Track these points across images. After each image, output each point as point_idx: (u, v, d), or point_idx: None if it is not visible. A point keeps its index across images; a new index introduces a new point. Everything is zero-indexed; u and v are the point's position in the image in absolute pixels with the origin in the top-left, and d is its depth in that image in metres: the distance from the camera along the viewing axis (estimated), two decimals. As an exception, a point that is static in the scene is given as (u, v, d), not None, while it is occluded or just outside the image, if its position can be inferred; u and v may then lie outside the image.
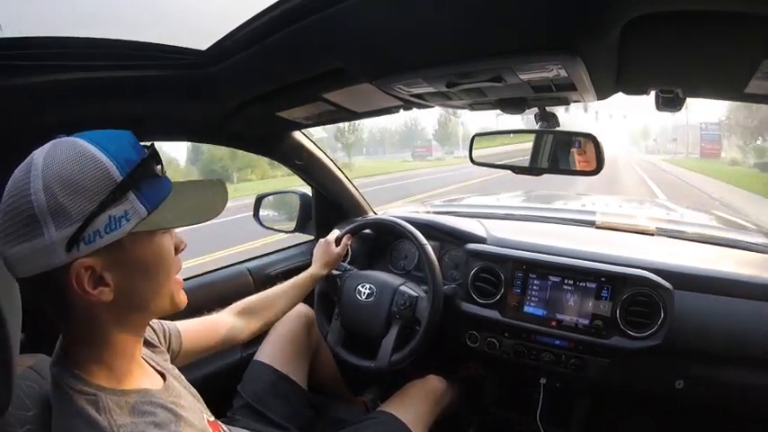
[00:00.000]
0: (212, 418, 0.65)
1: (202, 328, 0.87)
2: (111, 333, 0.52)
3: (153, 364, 0.62)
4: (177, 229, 0.57)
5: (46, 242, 0.44)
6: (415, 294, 1.17)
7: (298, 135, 1.34)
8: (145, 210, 0.49)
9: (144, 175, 0.49)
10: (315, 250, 1.21)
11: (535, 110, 0.95)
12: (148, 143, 0.52)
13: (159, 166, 0.52)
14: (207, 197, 0.56)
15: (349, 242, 1.24)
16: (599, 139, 0.91)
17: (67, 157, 0.46)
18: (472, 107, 0.99)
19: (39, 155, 0.46)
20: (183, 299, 0.58)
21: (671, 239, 1.32)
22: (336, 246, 1.20)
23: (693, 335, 1.04)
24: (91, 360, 0.51)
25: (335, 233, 1.24)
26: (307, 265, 1.19)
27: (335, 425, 1.10)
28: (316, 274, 1.15)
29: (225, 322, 0.93)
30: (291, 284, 1.09)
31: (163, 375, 0.61)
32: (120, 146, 0.49)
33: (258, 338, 1.16)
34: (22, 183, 0.45)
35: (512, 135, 1.09)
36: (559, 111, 0.96)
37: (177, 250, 0.57)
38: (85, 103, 0.79)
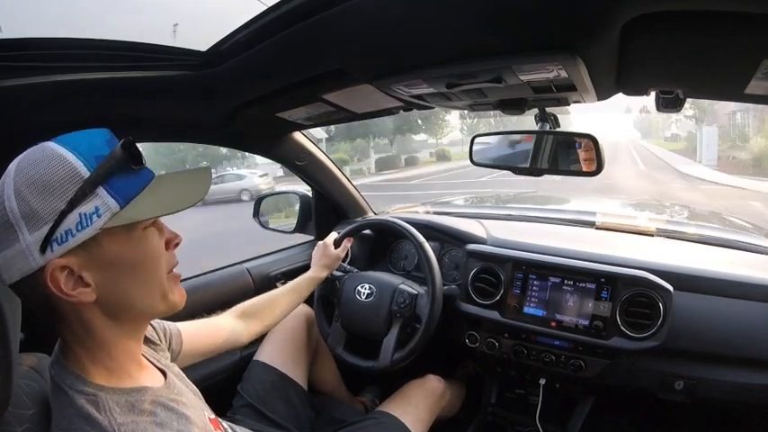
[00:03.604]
0: (213, 416, 0.65)
1: (203, 330, 0.87)
2: (104, 334, 0.51)
3: (153, 361, 0.62)
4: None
5: (22, 246, 0.45)
6: (415, 292, 1.17)
7: (298, 136, 1.34)
8: (116, 204, 0.48)
9: (114, 169, 0.48)
10: (313, 253, 1.21)
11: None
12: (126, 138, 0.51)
13: (134, 161, 0.51)
14: (188, 185, 0.55)
15: (349, 244, 1.24)
16: (599, 139, 0.91)
17: (35, 160, 0.46)
18: (472, 108, 0.99)
19: (14, 162, 0.47)
20: (179, 297, 0.56)
21: (671, 240, 1.32)
22: (335, 247, 1.20)
23: (693, 336, 1.04)
24: (89, 360, 0.51)
25: (333, 235, 1.24)
26: (307, 266, 1.19)
27: (335, 425, 1.10)
28: (315, 276, 1.15)
29: (225, 325, 0.93)
30: (291, 287, 1.09)
31: (164, 373, 0.61)
32: (91, 143, 0.48)
33: (258, 338, 1.16)
34: None
35: (512, 136, 1.09)
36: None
37: (170, 245, 0.55)
38: (85, 103, 0.79)
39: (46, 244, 0.45)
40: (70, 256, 0.46)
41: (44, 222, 0.45)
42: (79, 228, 0.46)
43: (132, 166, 0.50)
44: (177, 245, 0.57)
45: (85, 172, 0.46)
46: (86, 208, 0.46)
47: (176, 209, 0.50)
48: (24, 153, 0.48)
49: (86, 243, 0.47)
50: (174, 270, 0.57)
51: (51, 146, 0.47)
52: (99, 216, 0.47)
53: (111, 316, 0.51)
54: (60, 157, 0.46)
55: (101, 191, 0.47)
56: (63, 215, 0.45)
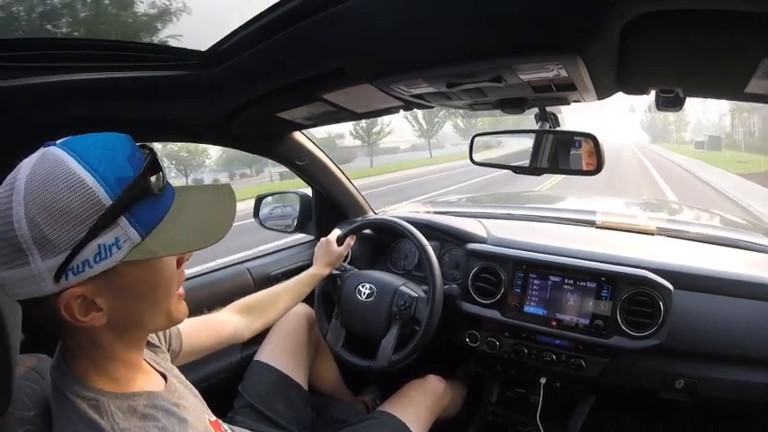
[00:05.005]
0: (214, 418, 0.65)
1: (203, 327, 0.87)
2: (109, 348, 0.51)
3: (154, 364, 0.62)
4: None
5: (33, 272, 0.42)
6: (415, 295, 1.17)
7: (298, 135, 1.34)
8: (138, 235, 0.45)
9: (138, 196, 0.45)
10: (316, 250, 1.21)
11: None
12: (148, 150, 0.49)
13: (157, 177, 0.48)
14: (212, 211, 0.53)
15: (352, 242, 1.24)
16: (599, 138, 0.91)
17: (51, 179, 0.41)
18: (472, 107, 0.99)
19: (23, 173, 0.42)
20: (182, 312, 0.56)
21: (671, 239, 1.32)
22: (338, 245, 1.20)
23: (693, 334, 1.04)
24: (92, 368, 0.50)
25: (336, 232, 1.24)
26: (307, 266, 1.19)
27: (336, 425, 1.11)
28: (317, 273, 1.15)
29: (226, 321, 0.93)
30: (292, 283, 1.09)
31: (164, 376, 0.61)
32: (111, 161, 0.44)
33: (258, 338, 1.16)
34: (5, 207, 0.41)
35: (512, 135, 1.10)
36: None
37: (181, 263, 0.54)
38: (84, 103, 0.79)
39: (60, 273, 0.42)
40: (85, 285, 0.44)
41: (59, 251, 0.42)
42: (97, 259, 0.43)
43: (155, 191, 0.47)
44: (187, 260, 0.56)
45: (107, 200, 0.43)
46: (106, 239, 0.43)
47: (199, 245, 0.48)
48: (33, 164, 0.43)
49: (103, 272, 0.44)
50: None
51: (66, 161, 0.42)
52: (119, 248, 0.44)
53: (119, 333, 0.51)
54: (79, 181, 0.42)
55: (122, 221, 0.44)
56: (81, 245, 0.42)
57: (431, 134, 29.52)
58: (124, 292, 0.48)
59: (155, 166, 0.48)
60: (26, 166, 0.43)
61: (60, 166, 0.42)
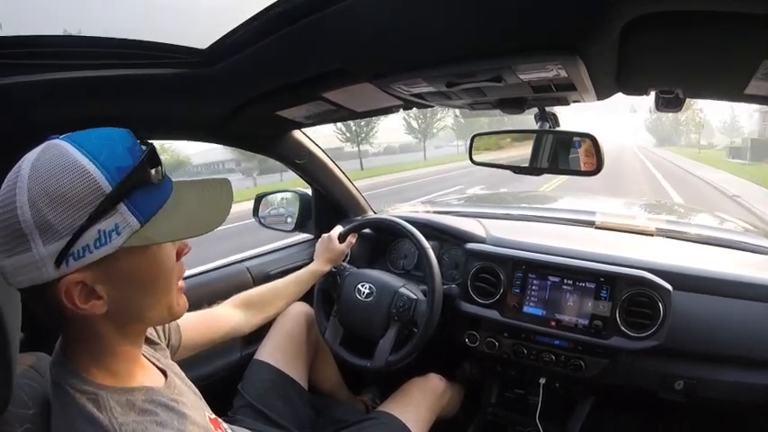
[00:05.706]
0: (213, 416, 0.65)
1: (202, 321, 0.87)
2: (109, 340, 0.51)
3: (154, 361, 0.62)
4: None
5: (34, 257, 0.43)
6: (415, 297, 1.17)
7: (298, 134, 1.34)
8: (137, 222, 0.46)
9: (137, 184, 0.46)
10: (317, 245, 1.22)
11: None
12: (147, 144, 0.50)
13: (156, 170, 0.49)
14: (208, 203, 0.54)
15: (354, 240, 1.24)
16: (598, 139, 0.91)
17: (53, 167, 0.43)
18: (472, 107, 0.99)
19: (27, 163, 0.44)
20: (182, 306, 0.56)
21: (670, 240, 1.32)
22: (340, 242, 1.20)
23: (693, 335, 1.04)
24: (92, 362, 0.51)
25: (338, 229, 1.24)
26: (306, 265, 1.19)
27: (336, 424, 1.11)
28: (318, 269, 1.15)
29: (226, 315, 0.93)
30: (293, 279, 1.10)
31: (164, 372, 0.61)
32: (112, 151, 0.46)
33: (258, 337, 1.16)
34: (8, 195, 0.43)
35: (512, 135, 1.09)
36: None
37: (180, 255, 0.55)
38: (85, 102, 0.79)
39: (61, 258, 0.43)
40: (85, 271, 0.45)
41: (60, 236, 0.43)
42: (97, 245, 0.44)
43: (154, 181, 0.49)
44: (186, 254, 0.56)
45: (107, 186, 0.44)
46: (106, 225, 0.45)
47: (197, 233, 0.49)
48: (38, 154, 0.44)
49: (103, 258, 0.45)
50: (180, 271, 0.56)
51: (69, 151, 0.44)
52: (118, 234, 0.45)
53: (119, 325, 0.51)
54: (81, 168, 0.43)
55: (122, 207, 0.45)
56: (81, 230, 0.43)
57: (360, 138, 25.87)
58: (124, 280, 0.49)
59: (153, 157, 0.49)
60: (30, 156, 0.45)
61: (63, 155, 0.44)
